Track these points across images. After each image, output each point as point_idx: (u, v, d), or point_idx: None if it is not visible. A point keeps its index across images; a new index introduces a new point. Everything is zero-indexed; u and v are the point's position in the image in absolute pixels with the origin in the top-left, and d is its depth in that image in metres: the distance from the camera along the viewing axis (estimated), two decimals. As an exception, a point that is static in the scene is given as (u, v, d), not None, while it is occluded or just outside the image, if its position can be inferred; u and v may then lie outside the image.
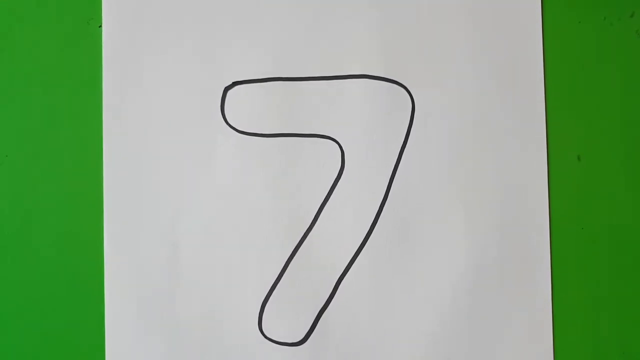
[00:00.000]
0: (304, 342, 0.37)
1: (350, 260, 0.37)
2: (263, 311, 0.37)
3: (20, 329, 0.37)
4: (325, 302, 0.37)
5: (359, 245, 0.37)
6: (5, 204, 0.37)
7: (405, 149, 0.37)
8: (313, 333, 0.37)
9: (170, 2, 0.37)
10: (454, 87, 0.37)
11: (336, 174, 0.37)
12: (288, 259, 0.37)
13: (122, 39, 0.37)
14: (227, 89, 0.37)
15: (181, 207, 0.37)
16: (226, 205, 0.37)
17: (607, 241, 0.37)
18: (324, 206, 0.37)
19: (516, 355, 0.37)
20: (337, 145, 0.37)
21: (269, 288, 0.37)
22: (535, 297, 0.37)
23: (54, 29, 0.37)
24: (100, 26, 0.37)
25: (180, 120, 0.37)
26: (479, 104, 0.37)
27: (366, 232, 0.37)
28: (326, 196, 0.37)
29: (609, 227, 0.37)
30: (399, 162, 0.37)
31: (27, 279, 0.37)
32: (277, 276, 0.37)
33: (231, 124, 0.37)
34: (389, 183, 0.37)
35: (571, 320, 0.37)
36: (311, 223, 0.37)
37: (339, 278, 0.37)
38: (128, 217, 0.37)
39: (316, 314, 0.37)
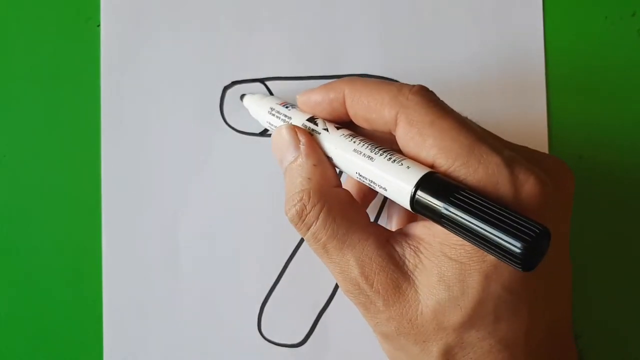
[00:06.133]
0: (304, 343, 0.36)
1: (351, 261, 0.36)
2: (262, 312, 0.36)
3: (18, 329, 0.37)
4: (326, 303, 0.36)
5: (359, 245, 0.36)
6: (3, 204, 0.37)
7: (406, 148, 0.37)
8: (313, 334, 0.36)
9: (170, 1, 0.37)
10: (454, 87, 0.37)
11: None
12: (288, 259, 0.37)
13: (121, 38, 0.37)
14: (226, 88, 0.37)
15: (180, 207, 0.37)
16: (225, 205, 0.37)
17: (608, 241, 0.37)
18: (324, 206, 0.37)
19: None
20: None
21: (269, 289, 0.36)
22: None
23: (52, 28, 0.37)
24: (99, 25, 0.37)
25: (179, 119, 0.37)
26: (479, 103, 0.37)
27: (366, 232, 0.37)
28: (326, 196, 0.37)
29: (610, 226, 0.37)
30: (399, 162, 0.37)
31: (26, 279, 0.37)
32: (276, 277, 0.37)
33: (230, 123, 0.37)
34: (389, 183, 0.37)
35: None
36: (311, 223, 0.37)
37: (339, 279, 0.36)
38: (127, 217, 0.37)
39: (316, 314, 0.36)
